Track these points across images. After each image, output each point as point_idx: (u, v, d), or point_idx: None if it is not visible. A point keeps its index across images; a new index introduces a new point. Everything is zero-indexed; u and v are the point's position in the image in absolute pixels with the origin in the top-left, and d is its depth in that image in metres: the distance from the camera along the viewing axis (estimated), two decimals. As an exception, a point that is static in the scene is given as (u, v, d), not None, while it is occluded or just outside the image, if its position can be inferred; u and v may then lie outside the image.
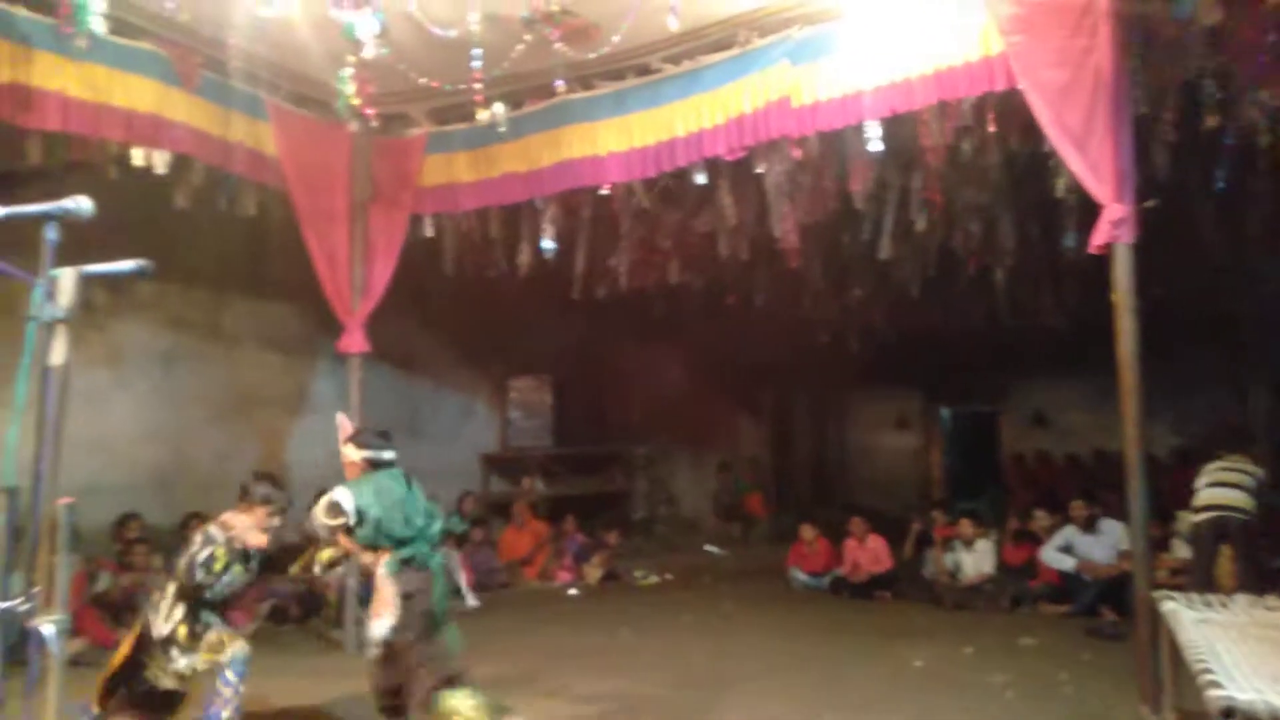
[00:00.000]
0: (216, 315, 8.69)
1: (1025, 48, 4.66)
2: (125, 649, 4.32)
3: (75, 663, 5.92)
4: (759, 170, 6.13)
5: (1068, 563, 7.73)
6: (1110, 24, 4.47)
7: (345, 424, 4.51)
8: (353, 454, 4.31)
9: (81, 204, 2.09)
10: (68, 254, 2.10)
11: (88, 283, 2.11)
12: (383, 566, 4.07)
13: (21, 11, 4.77)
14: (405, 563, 4.07)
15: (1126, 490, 4.50)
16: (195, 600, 4.32)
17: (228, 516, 4.44)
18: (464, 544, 9.45)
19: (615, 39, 5.45)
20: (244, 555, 4.39)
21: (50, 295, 2.02)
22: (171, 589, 4.35)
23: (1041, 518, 8.69)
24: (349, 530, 4.07)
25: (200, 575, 4.27)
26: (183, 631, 4.28)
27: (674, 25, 5.07)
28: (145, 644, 4.30)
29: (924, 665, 6.03)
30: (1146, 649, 4.39)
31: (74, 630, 6.17)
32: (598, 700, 5.30)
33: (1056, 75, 4.59)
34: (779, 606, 8.39)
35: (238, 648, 4.27)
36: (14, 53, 4.75)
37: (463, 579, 4.40)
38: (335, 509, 4.02)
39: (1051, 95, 4.62)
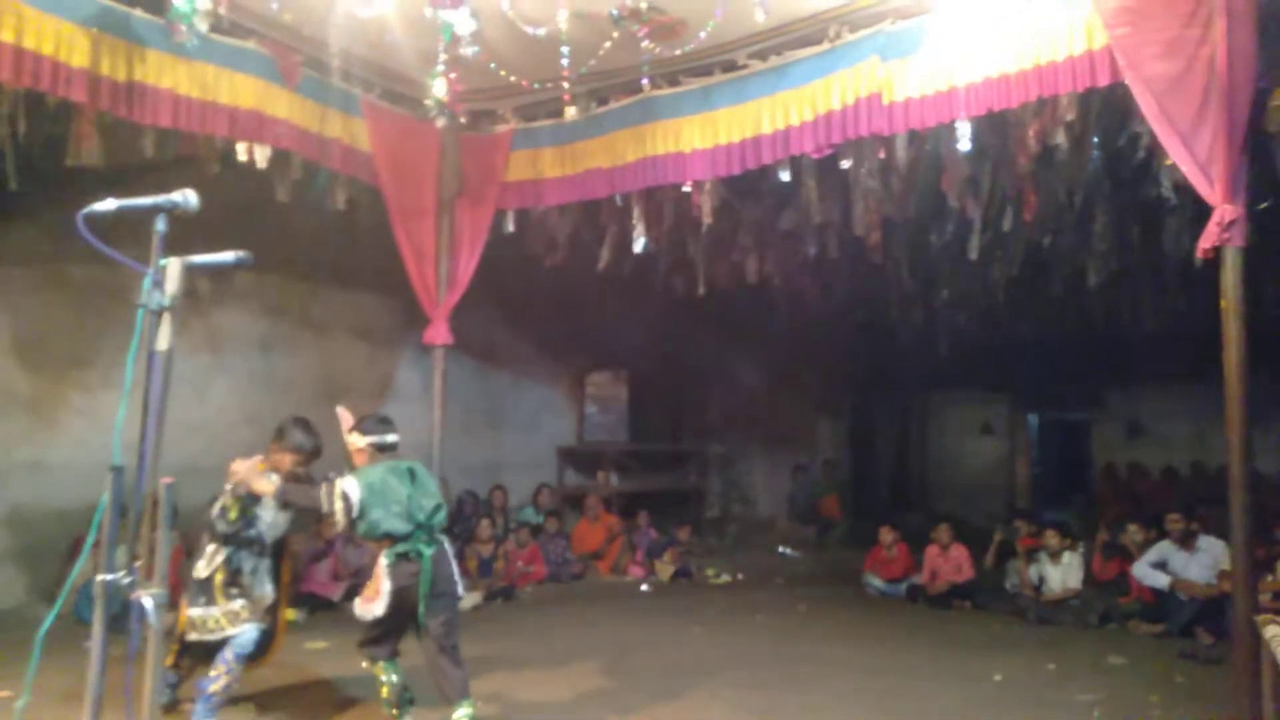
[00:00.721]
0: (309, 305, 9.00)
1: (1132, 40, 4.45)
2: (183, 610, 4.53)
3: (172, 634, 6.22)
4: (845, 166, 6.03)
5: (1162, 580, 7.38)
6: (1225, 15, 4.24)
7: (345, 416, 4.57)
8: (358, 441, 4.41)
9: (189, 197, 2.20)
10: (174, 245, 2.21)
11: (191, 272, 2.21)
12: (382, 557, 4.25)
13: (137, 12, 5.02)
14: (401, 556, 4.22)
15: (1229, 506, 4.27)
16: (237, 545, 4.50)
17: (261, 457, 4.54)
18: (539, 534, 9.60)
19: (702, 35, 5.44)
20: (254, 499, 4.49)
21: (158, 284, 2.13)
22: (209, 543, 4.56)
23: (1134, 531, 8.31)
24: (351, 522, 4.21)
25: (221, 526, 4.47)
26: (219, 578, 4.45)
27: (761, 18, 5.02)
28: (189, 594, 4.49)
29: (1003, 680, 5.84)
30: (1245, 675, 4.16)
31: (172, 603, 6.48)
32: (665, 696, 5.31)
33: (1166, 68, 4.37)
34: (853, 612, 8.25)
35: (248, 629, 4.42)
36: (130, 52, 5.00)
37: (457, 573, 4.45)
38: (344, 499, 4.14)
39: (1160, 90, 4.40)
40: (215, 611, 4.43)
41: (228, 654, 4.39)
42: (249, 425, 8.33)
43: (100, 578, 2.06)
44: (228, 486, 4.48)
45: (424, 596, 4.22)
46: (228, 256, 2.39)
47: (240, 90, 5.56)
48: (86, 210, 2.09)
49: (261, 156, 5.82)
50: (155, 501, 2.17)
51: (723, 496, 13.12)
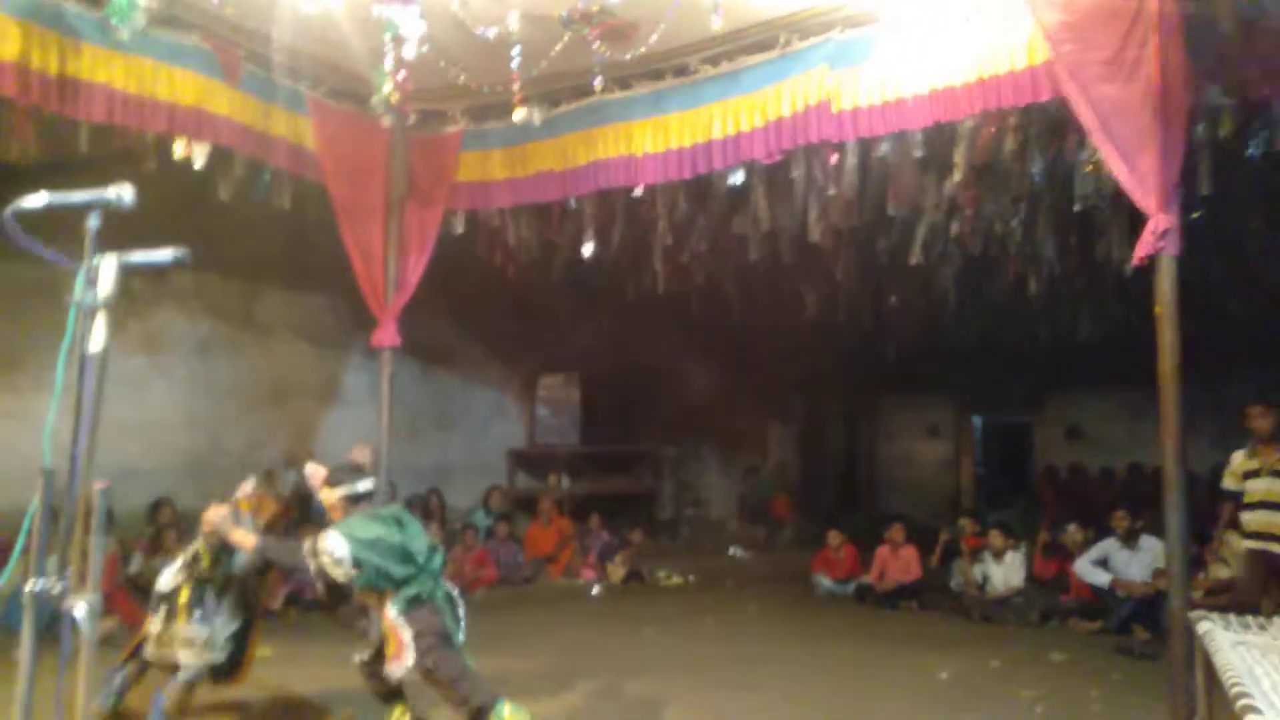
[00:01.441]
0: (252, 306, 8.82)
1: (1074, 57, 4.57)
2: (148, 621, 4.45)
3: (106, 642, 6.03)
4: (795, 174, 6.09)
5: (1103, 578, 7.59)
6: (1160, 34, 4.38)
7: (316, 472, 4.41)
8: (330, 496, 4.21)
9: (123, 193, 2.12)
10: (109, 242, 2.14)
11: (127, 271, 2.14)
12: (391, 608, 4.03)
13: (70, 5, 4.86)
14: (412, 601, 4.04)
15: (1163, 505, 4.40)
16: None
17: (233, 506, 4.41)
18: (489, 538, 9.51)
19: (653, 39, 5.44)
20: (227, 547, 4.36)
21: (91, 282, 2.05)
22: (182, 560, 4.46)
23: (1074, 531, 8.54)
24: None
25: (195, 572, 4.36)
26: (184, 596, 4.34)
27: (718, 24, 5.04)
28: (153, 601, 4.41)
29: (949, 677, 5.95)
30: (1180, 670, 4.29)
31: (106, 610, 6.29)
32: (617, 698, 5.30)
33: (1106, 86, 4.49)
34: (802, 612, 8.33)
35: (200, 664, 4.30)
36: (63, 45, 4.82)
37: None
38: (333, 560, 3.93)
39: (1100, 105, 4.52)
40: (175, 630, 4.30)
41: (183, 675, 4.30)
42: (189, 429, 8.15)
43: (30, 585, 1.98)
44: (200, 536, 4.37)
45: (456, 629, 4.11)
46: (165, 254, 2.31)
47: (179, 86, 5.39)
48: (14, 206, 2.00)
49: (200, 154, 5.65)
50: (88, 506, 2.09)
51: (675, 498, 13.16)
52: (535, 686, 5.53)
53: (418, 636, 3.98)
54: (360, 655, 4.30)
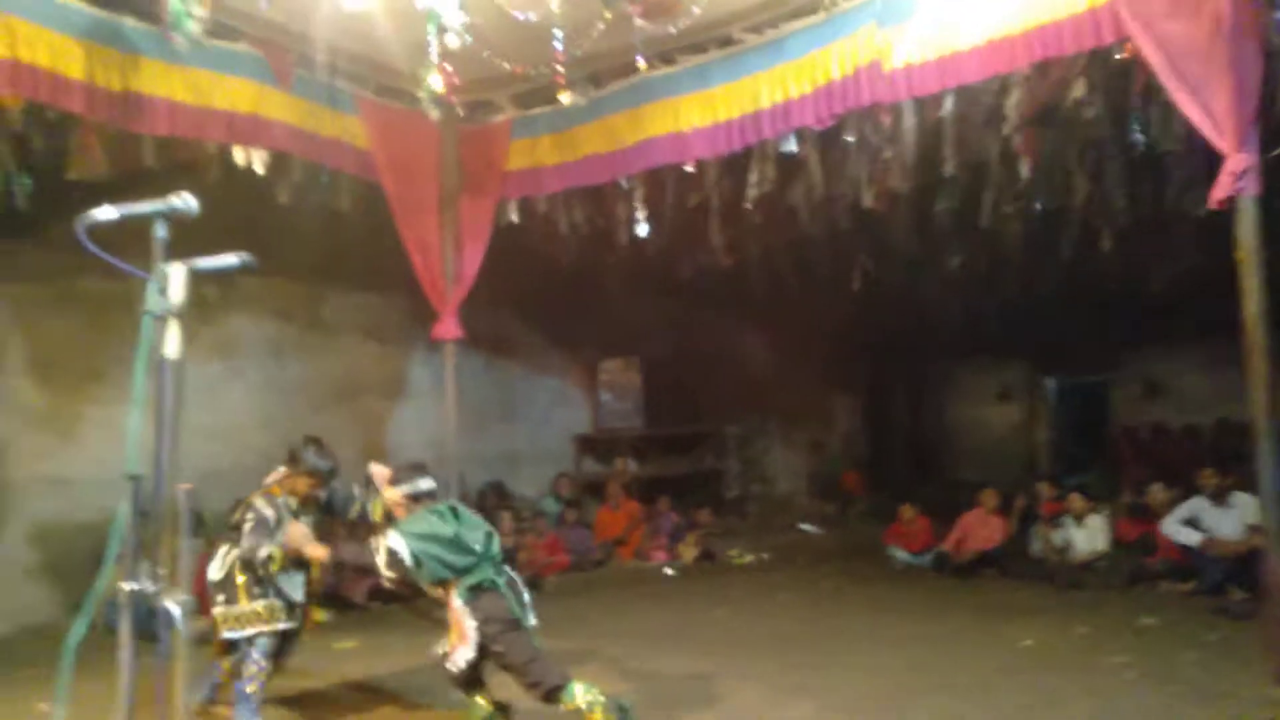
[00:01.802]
0: (318, 307, 9.01)
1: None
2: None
3: (201, 640, 6.26)
4: (849, 138, 5.97)
5: (1193, 537, 7.30)
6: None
7: (380, 472, 4.52)
8: (393, 495, 4.34)
9: (188, 201, 2.17)
10: (180, 253, 2.19)
11: (198, 279, 2.19)
12: (456, 599, 4.13)
13: (129, 21, 5.00)
14: (474, 589, 4.13)
15: (1257, 459, 4.22)
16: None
17: (265, 493, 4.67)
18: (558, 524, 9.61)
19: (696, 11, 5.37)
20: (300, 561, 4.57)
21: (162, 290, 2.11)
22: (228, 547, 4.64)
23: (1157, 491, 8.25)
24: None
25: (260, 572, 4.50)
26: (241, 579, 4.52)
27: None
28: (212, 594, 4.58)
29: (1034, 644, 5.82)
30: (1278, 628, 4.13)
31: (199, 609, 6.53)
32: (695, 678, 5.31)
33: (1172, 23, 4.30)
34: (880, 585, 8.23)
35: (266, 630, 4.47)
36: (124, 62, 4.99)
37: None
38: (394, 559, 4.04)
39: (1166, 44, 4.33)
40: (236, 610, 4.50)
41: (254, 654, 4.46)
42: (264, 429, 8.37)
43: (125, 586, 2.05)
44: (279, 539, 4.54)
45: (521, 613, 4.18)
46: (231, 259, 2.36)
47: (235, 94, 5.54)
48: (86, 219, 2.07)
49: (259, 160, 5.79)
50: (175, 509, 2.16)
51: (741, 477, 13.11)
52: (611, 668, 5.58)
53: (484, 624, 4.09)
54: (439, 647, 4.38)
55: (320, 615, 7.05)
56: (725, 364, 12.61)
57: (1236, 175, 4.17)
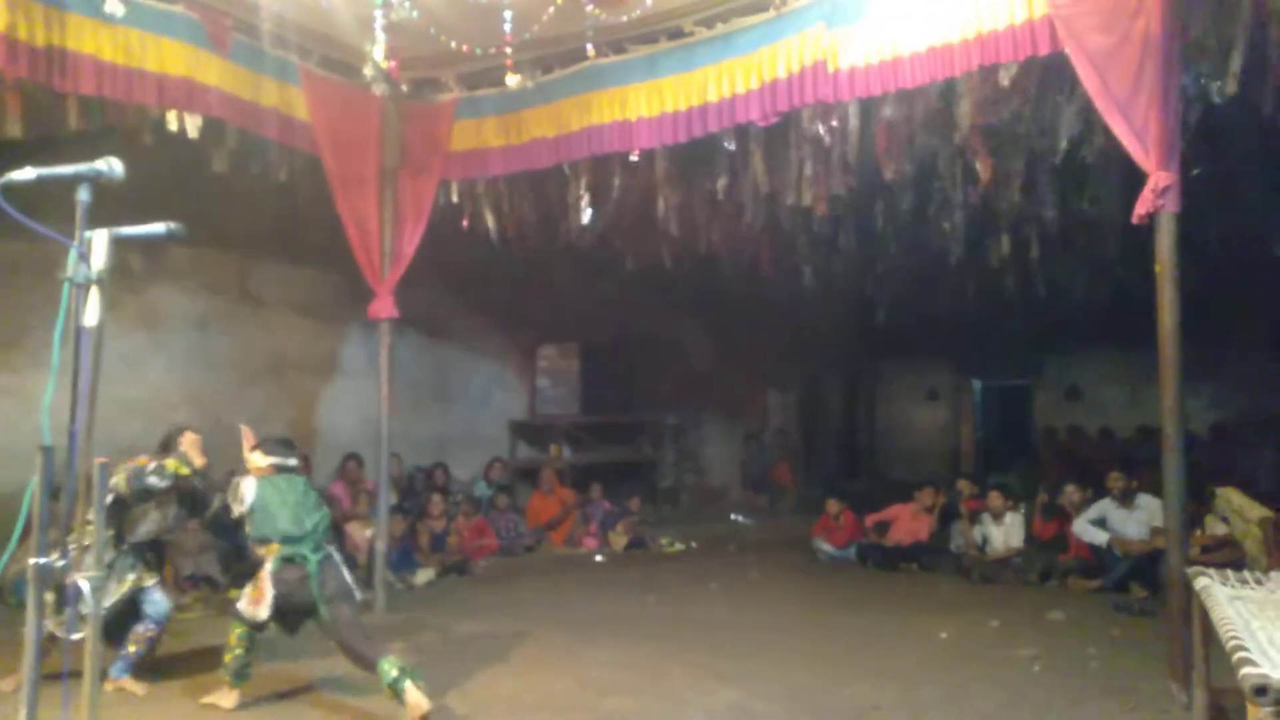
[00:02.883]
0: (248, 280, 8.77)
1: (1071, 10, 4.52)
2: None
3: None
4: (791, 137, 6.04)
5: (1101, 536, 7.63)
6: (1157, -16, 4.32)
7: (248, 433, 4.83)
8: (259, 460, 4.66)
9: (113, 166, 2.10)
10: (105, 219, 2.12)
11: (123, 246, 2.13)
12: (269, 562, 4.46)
13: (55, -26, 4.78)
14: (286, 561, 4.44)
15: (1163, 465, 4.42)
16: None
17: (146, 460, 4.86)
18: (489, 510, 9.56)
19: (648, 1, 5.37)
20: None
21: (84, 257, 2.04)
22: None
23: (1071, 492, 8.57)
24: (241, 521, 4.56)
25: (155, 480, 4.69)
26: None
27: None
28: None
29: (950, 637, 6.02)
30: (1178, 625, 4.34)
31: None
32: (623, 665, 5.35)
33: (1103, 39, 4.45)
34: (805, 577, 8.40)
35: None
36: (48, 15, 4.76)
37: (350, 578, 4.70)
38: (237, 497, 4.51)
39: (1097, 60, 4.48)
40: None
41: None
42: (189, 405, 8.12)
43: (33, 561, 1.99)
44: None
45: (318, 599, 4.41)
46: (159, 228, 2.30)
47: (168, 57, 5.33)
48: (3, 179, 1.98)
49: (193, 126, 5.60)
50: (88, 482, 2.10)
51: (676, 466, 13.21)
52: (540, 653, 5.59)
53: (281, 596, 4.41)
54: (240, 600, 4.60)
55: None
56: (664, 354, 12.67)
57: (1158, 192, 4.34)
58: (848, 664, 5.38)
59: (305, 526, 4.49)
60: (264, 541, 4.48)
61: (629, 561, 9.28)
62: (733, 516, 12.16)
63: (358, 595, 4.67)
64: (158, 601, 4.91)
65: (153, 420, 7.70)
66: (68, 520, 2.11)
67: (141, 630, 4.83)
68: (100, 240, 2.07)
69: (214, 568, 7.22)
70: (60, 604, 2.06)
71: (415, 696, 4.14)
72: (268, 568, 4.44)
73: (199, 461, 4.76)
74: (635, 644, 5.83)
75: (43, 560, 1.99)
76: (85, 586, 2.03)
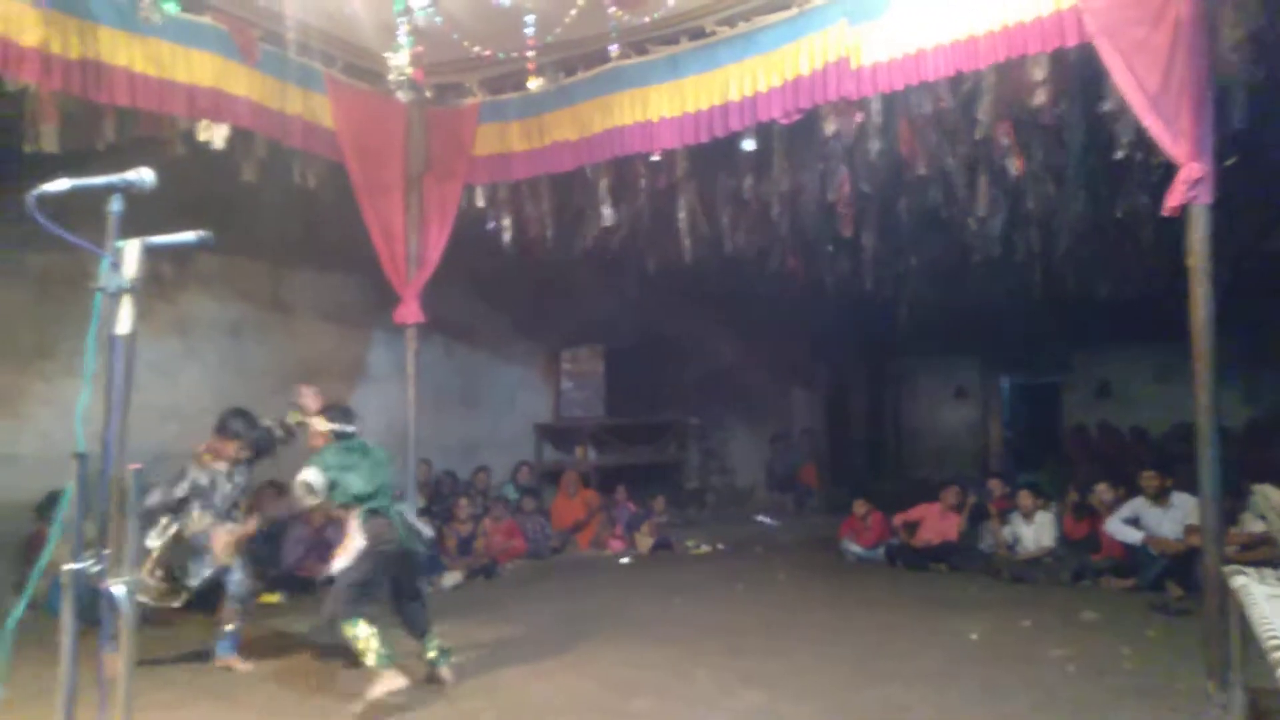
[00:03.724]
0: (277, 287, 8.87)
1: (1100, 2, 4.46)
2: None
3: (146, 621, 6.17)
4: (815, 135, 6.01)
5: (1134, 536, 7.51)
6: (1190, -26, 4.25)
7: (311, 395, 5.15)
8: (322, 425, 4.98)
9: (144, 176, 2.13)
10: (137, 229, 2.15)
11: (154, 255, 2.15)
12: (355, 518, 4.78)
13: (87, -12, 4.87)
14: (372, 513, 4.78)
15: (1197, 462, 4.34)
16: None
17: (203, 449, 5.29)
18: (516, 512, 9.60)
19: (670, 2, 5.37)
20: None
21: (116, 266, 2.07)
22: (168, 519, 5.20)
23: (1103, 491, 8.45)
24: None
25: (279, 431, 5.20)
26: (156, 550, 5.10)
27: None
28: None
29: (980, 637, 5.95)
30: (1215, 624, 4.26)
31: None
32: (649, 667, 5.35)
33: (1133, 29, 4.38)
34: (832, 577, 8.35)
35: (152, 606, 5.10)
36: (81, 29, 4.85)
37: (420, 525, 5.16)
38: (308, 489, 4.72)
39: (1127, 50, 4.41)
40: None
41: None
42: (220, 410, 8.23)
43: (67, 567, 2.02)
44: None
45: (405, 539, 4.81)
46: (189, 236, 2.32)
47: (197, 68, 5.42)
48: (37, 190, 2.02)
49: (219, 136, 5.67)
50: (122, 489, 2.13)
51: (701, 468, 13.19)
52: (566, 654, 5.60)
53: (370, 541, 4.70)
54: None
55: (272, 597, 7.02)
56: (688, 355, 12.66)
57: (1190, 184, 4.27)
58: (876, 665, 5.34)
59: (376, 483, 4.83)
60: (346, 506, 4.80)
61: (655, 563, 9.28)
62: (759, 518, 12.11)
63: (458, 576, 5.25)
64: (239, 581, 5.26)
65: (187, 426, 7.80)
66: (102, 526, 2.14)
67: (230, 609, 5.21)
68: (132, 249, 2.10)
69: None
70: (94, 610, 2.08)
71: (447, 672, 4.94)
72: (354, 523, 4.75)
73: (227, 546, 5.18)
74: (661, 646, 5.82)
75: (78, 566, 2.02)
76: (120, 592, 2.05)
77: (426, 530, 5.15)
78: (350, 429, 5.02)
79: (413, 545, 4.92)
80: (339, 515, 4.94)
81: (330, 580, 4.96)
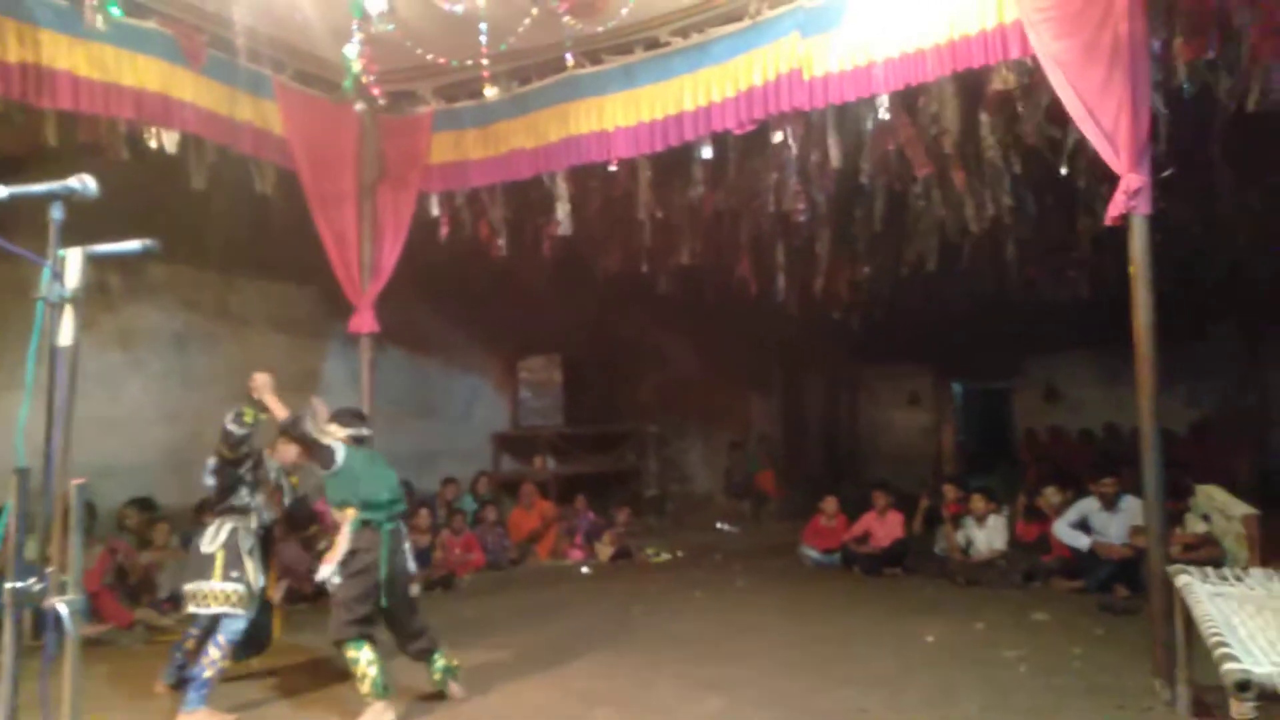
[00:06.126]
0: (227, 297, 8.70)
1: (1040, 16, 4.58)
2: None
3: (97, 643, 5.99)
4: (776, 141, 6.07)
5: (1082, 541, 7.66)
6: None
7: (321, 407, 4.93)
8: (338, 432, 4.81)
9: (87, 183, 2.08)
10: (81, 237, 2.09)
11: (100, 264, 2.10)
12: (347, 525, 4.63)
13: (26, -9, 4.76)
14: (365, 524, 4.63)
15: (1141, 464, 4.47)
16: (238, 519, 4.79)
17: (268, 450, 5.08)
18: (477, 524, 9.51)
19: (623, 12, 5.40)
20: (263, 407, 4.78)
21: (57, 275, 2.01)
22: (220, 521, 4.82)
23: (1050, 494, 8.63)
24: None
25: (235, 427, 4.71)
26: (221, 556, 4.69)
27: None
28: (191, 569, 4.79)
29: (936, 640, 6.03)
30: (1160, 622, 4.38)
31: (94, 612, 6.25)
32: (610, 676, 5.33)
33: (1073, 42, 4.51)
34: (791, 583, 8.40)
35: (239, 614, 4.64)
36: (21, 31, 4.74)
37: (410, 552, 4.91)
38: (328, 454, 4.62)
39: (1066, 64, 4.55)
40: (211, 587, 4.65)
41: (220, 639, 4.57)
42: (167, 423, 8.04)
43: (8, 585, 1.95)
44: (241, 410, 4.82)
45: (385, 560, 4.60)
46: (133, 245, 2.26)
47: (144, 72, 5.31)
48: (-27, 199, 1.96)
49: (170, 141, 5.57)
50: (65, 504, 2.07)
51: (660, 475, 13.20)
52: (526, 666, 5.56)
53: (353, 553, 4.57)
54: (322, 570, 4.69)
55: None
56: (645, 363, 12.68)
57: (1130, 194, 4.40)
58: (835, 668, 5.39)
59: (383, 497, 4.70)
60: (343, 505, 4.66)
61: (615, 572, 9.26)
62: (718, 525, 12.15)
63: (416, 588, 4.95)
64: (237, 630, 4.71)
65: (131, 439, 7.64)
66: (44, 543, 2.07)
67: (218, 650, 4.62)
68: (74, 258, 2.04)
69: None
70: (39, 629, 2.02)
71: (456, 688, 4.87)
72: (345, 529, 4.61)
73: (271, 400, 4.72)
74: (622, 654, 5.81)
75: (19, 584, 1.96)
76: (64, 611, 1.99)
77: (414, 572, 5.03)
78: (365, 432, 4.93)
79: (397, 568, 4.69)
80: (339, 520, 4.76)
81: (321, 587, 4.90)
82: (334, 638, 4.55)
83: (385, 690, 4.49)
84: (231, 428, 4.69)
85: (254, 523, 4.87)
